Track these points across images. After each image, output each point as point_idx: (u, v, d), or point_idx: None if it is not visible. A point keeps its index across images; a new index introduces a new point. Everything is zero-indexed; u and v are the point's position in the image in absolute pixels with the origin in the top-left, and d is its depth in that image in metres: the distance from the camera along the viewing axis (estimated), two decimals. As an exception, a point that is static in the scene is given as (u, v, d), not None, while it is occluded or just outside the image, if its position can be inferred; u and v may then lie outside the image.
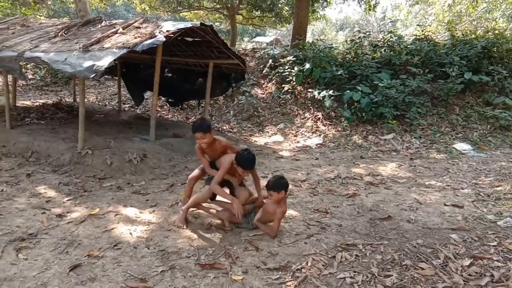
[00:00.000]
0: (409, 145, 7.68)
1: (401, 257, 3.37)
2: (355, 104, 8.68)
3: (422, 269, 3.17)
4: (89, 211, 4.14)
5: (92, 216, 4.01)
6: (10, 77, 8.54)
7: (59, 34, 6.17)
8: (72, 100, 10.54)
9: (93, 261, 3.13)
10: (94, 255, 3.20)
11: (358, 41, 10.88)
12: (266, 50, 12.10)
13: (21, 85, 12.54)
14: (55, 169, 5.44)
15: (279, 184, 3.62)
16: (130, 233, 3.64)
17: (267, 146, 7.81)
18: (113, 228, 3.72)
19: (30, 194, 4.52)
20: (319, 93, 9.11)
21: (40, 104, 9.89)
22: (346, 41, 12.35)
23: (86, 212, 4.10)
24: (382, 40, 11.10)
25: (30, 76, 13.25)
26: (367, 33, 11.61)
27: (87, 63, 4.94)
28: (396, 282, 2.99)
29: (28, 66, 13.46)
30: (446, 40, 11.20)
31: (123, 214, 4.09)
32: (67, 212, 4.06)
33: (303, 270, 3.14)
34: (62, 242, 3.41)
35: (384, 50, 10.47)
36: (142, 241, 3.51)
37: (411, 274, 3.09)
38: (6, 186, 4.70)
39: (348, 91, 8.80)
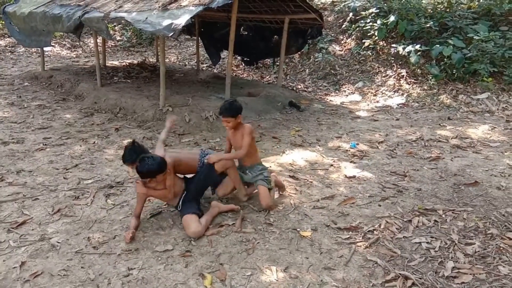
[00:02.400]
0: (506, 106, 6.84)
1: (487, 225, 3.09)
2: (445, 60, 7.86)
3: (510, 239, 2.89)
4: (169, 164, 4.39)
5: (171, 169, 4.25)
6: (100, 39, 9.16)
7: (141, -6, 6.37)
8: (155, 60, 11.06)
9: (172, 208, 3.34)
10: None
11: (452, -12, 9.68)
12: (346, 2, 11.35)
13: (110, 46, 13.44)
14: (140, 124, 5.83)
15: (233, 108, 3.34)
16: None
17: (343, 105, 7.51)
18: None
19: (118, 147, 4.91)
20: (404, 48, 8.39)
21: (127, 64, 10.55)
22: (438, -11, 11.07)
23: (166, 165, 4.35)
24: (481, -14, 9.75)
25: (118, 38, 14.13)
26: (464, -21, 10.26)
27: (165, 22, 5.06)
28: (479, 251, 2.76)
29: (116, 28, 14.32)
30: None
31: (199, 168, 4.27)
32: (149, 164, 4.35)
33: (375, 232, 3.04)
34: (145, 191, 3.68)
35: (483, -2, 9.21)
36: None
37: (496, 244, 2.83)
38: (98, 138, 5.17)
39: (438, 46, 7.96)
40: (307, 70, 9.69)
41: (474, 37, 7.72)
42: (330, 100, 7.91)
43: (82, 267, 2.59)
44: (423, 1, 9.83)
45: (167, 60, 11.32)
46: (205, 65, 11.08)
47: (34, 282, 2.44)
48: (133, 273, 2.54)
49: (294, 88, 8.73)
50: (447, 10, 9.16)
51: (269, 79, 9.71)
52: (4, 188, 3.67)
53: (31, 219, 3.16)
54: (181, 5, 5.39)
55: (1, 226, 3.04)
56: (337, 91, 8.54)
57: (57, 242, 2.85)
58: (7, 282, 2.43)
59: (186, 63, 11.59)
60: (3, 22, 11.13)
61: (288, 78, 9.58)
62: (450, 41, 7.89)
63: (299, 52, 9.53)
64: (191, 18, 5.00)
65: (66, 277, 2.49)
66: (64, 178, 3.94)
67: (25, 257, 2.67)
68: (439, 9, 9.33)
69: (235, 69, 10.44)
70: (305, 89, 8.80)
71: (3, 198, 3.47)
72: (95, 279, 2.48)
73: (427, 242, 2.89)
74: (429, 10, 9.31)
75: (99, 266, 2.61)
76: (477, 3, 9.16)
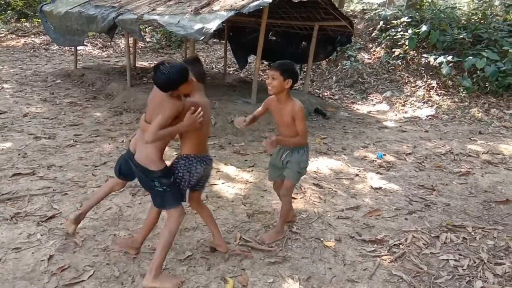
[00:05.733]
0: (542, 122, 6.60)
1: (519, 246, 2.97)
2: (478, 72, 7.66)
3: (545, 263, 2.76)
4: (194, 166, 4.43)
5: (196, 171, 4.28)
6: (131, 40, 9.36)
7: (173, -3, 6.49)
8: (183, 63, 11.21)
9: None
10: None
11: (487, 0, 9.45)
12: (377, 11, 11.24)
13: (140, 47, 13.73)
14: (166, 125, 5.90)
15: (286, 67, 2.75)
16: (229, 190, 3.82)
17: (370, 115, 7.41)
18: (214, 184, 3.93)
19: (145, 146, 4.99)
20: (435, 59, 8.23)
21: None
22: (473, 0, 10.82)
23: (191, 167, 4.39)
24: (519, -2, 9.48)
25: (148, 40, 14.42)
26: (501, -10, 10.00)
27: (197, 26, 5.12)
28: (509, 272, 2.66)
29: (146, 29, 14.62)
30: None
31: (224, 172, 4.29)
32: (175, 165, 4.40)
33: (401, 246, 2.97)
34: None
35: (521, 10, 8.94)
36: (240, 198, 3.66)
37: (529, 267, 2.71)
38: (126, 138, 5.26)
39: (471, 57, 7.77)
40: (334, 77, 9.62)
41: (510, 50, 7.50)
42: (357, 109, 7.81)
43: (107, 264, 2.64)
44: (457, 12, 9.61)
45: (194, 62, 11.46)
46: (232, 69, 11.16)
47: (61, 275, 2.50)
48: (156, 273, 2.56)
49: (320, 95, 8.67)
50: (482, 21, 8.94)
51: (295, 85, 9.66)
52: (35, 182, 3.78)
53: (60, 214, 3.24)
54: (212, 10, 5.46)
55: (31, 219, 3.13)
56: (364, 100, 8.44)
57: (84, 238, 2.91)
58: (35, 274, 2.50)
59: (214, 66, 11.71)
60: (39, 20, 11.55)
61: (314, 84, 9.53)
62: (484, 53, 7.70)
63: (326, 59, 9.48)
64: (222, 22, 5.05)
65: (92, 272, 2.54)
66: (92, 175, 4.03)
67: (53, 251, 2.73)
68: (473, 20, 9.12)
69: (261, 73, 10.46)
70: (332, 96, 8.73)
71: (34, 192, 3.58)
72: (119, 277, 2.52)
73: (455, 260, 2.80)
74: (463, 21, 9.11)
75: (124, 263, 2.65)
76: (513, 15, 8.91)
